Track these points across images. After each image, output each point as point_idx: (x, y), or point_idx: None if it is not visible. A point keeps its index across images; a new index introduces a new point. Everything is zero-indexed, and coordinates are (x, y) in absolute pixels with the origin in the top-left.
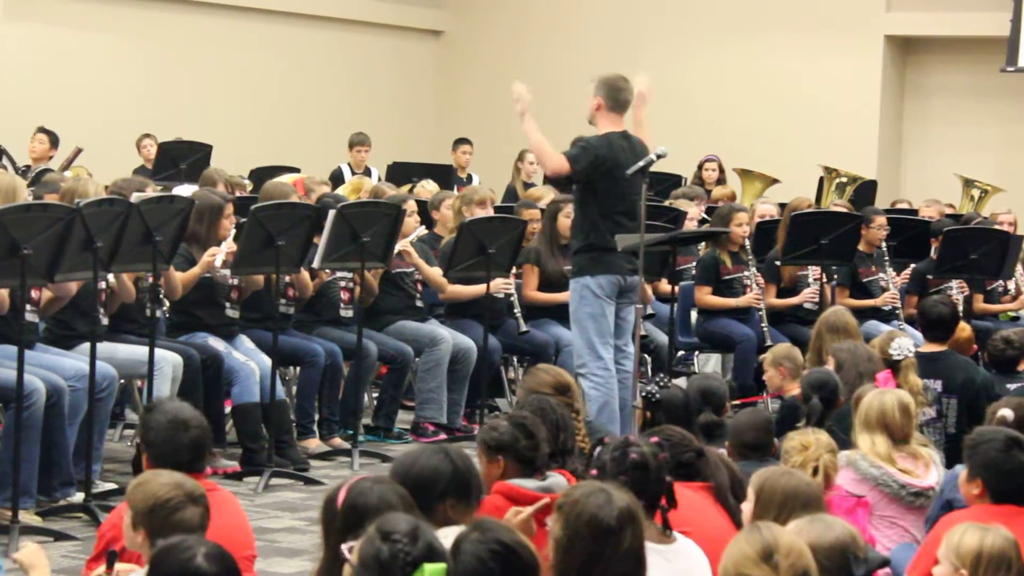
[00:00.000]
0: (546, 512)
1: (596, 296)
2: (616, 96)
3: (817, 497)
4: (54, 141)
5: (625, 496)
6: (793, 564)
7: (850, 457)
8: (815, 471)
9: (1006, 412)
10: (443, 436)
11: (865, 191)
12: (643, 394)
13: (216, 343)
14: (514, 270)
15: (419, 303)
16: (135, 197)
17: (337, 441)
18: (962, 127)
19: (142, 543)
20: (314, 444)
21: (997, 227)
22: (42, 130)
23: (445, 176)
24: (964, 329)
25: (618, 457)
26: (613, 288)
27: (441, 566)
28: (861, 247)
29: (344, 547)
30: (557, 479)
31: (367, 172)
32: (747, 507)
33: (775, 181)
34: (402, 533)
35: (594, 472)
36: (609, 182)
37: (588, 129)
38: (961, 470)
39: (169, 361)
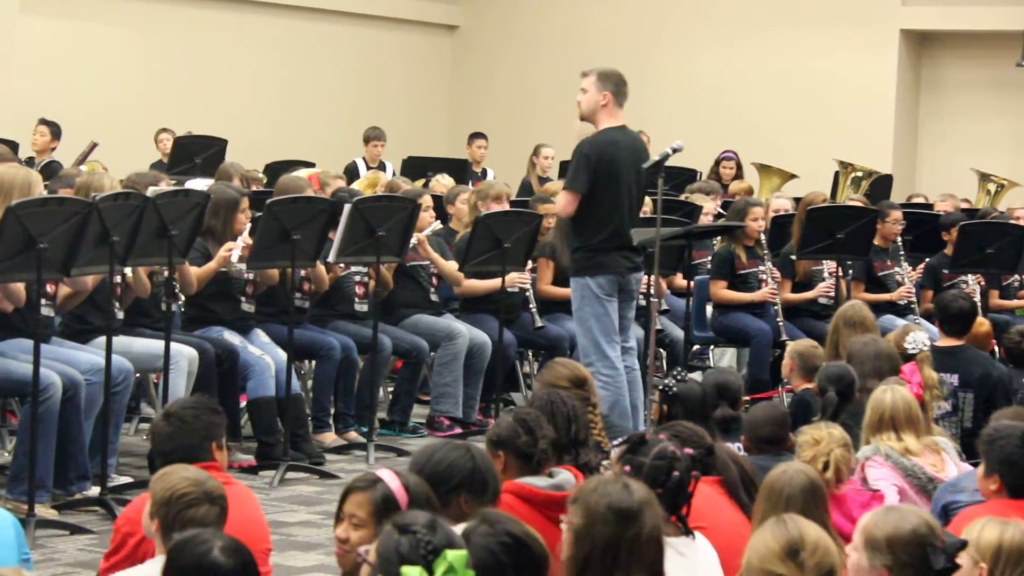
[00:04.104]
0: (557, 509)
1: (597, 296)
2: (623, 90)
3: (815, 491)
4: (56, 133)
5: (642, 486)
6: (819, 562)
7: (880, 447)
8: (825, 466)
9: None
10: (458, 430)
11: (881, 185)
12: (660, 388)
13: (231, 337)
14: (529, 264)
15: (434, 297)
16: (150, 191)
17: (352, 435)
18: (978, 122)
19: (155, 532)
20: (329, 438)
21: (1013, 222)
22: (43, 122)
23: (460, 171)
24: (983, 324)
25: (662, 468)
26: (613, 287)
27: (463, 553)
28: (876, 241)
29: (361, 549)
30: (566, 476)
31: (382, 167)
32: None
33: (793, 176)
34: (420, 524)
35: (627, 468)
36: (607, 181)
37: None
38: (960, 476)
39: (185, 355)
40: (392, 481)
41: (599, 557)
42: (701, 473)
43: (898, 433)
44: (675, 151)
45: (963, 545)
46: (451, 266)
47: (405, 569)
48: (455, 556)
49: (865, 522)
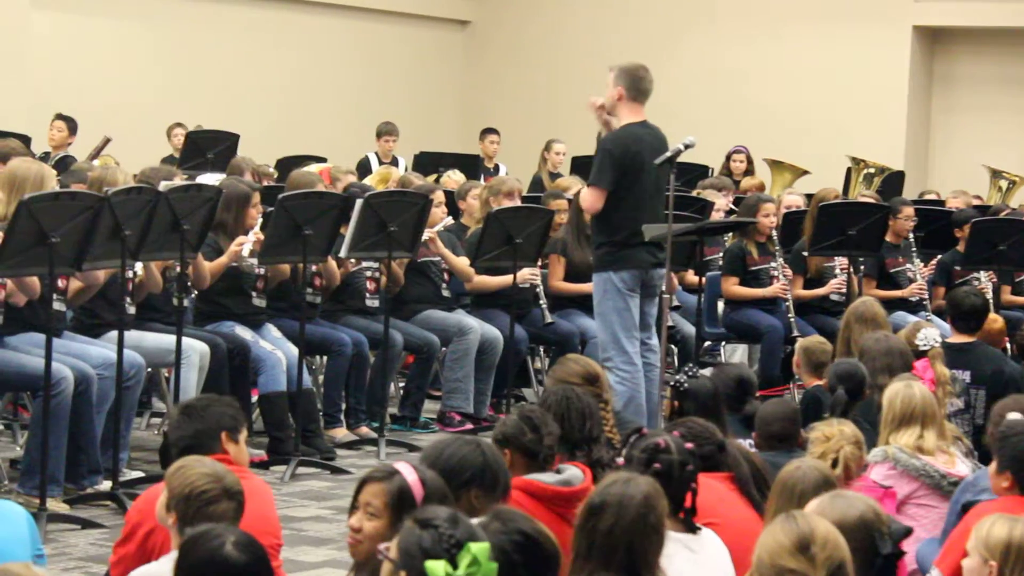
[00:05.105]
0: (565, 504)
1: (619, 290)
2: (638, 85)
3: (829, 488)
4: (72, 128)
5: (644, 483)
6: (829, 556)
7: (888, 451)
8: (835, 463)
9: (1015, 416)
10: (469, 426)
11: (893, 182)
12: (671, 383)
13: (243, 332)
14: (540, 260)
15: (445, 292)
16: (163, 186)
17: (364, 430)
18: (990, 118)
19: (171, 525)
20: (341, 433)
21: None
22: (60, 117)
23: (472, 166)
24: (996, 321)
25: (644, 460)
26: (636, 282)
27: (485, 545)
28: (888, 238)
29: (381, 546)
30: (574, 472)
31: (394, 162)
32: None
33: (805, 172)
34: (442, 519)
35: (620, 462)
36: (632, 177)
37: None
38: (979, 474)
39: (196, 350)
40: (409, 474)
41: (576, 546)
42: (710, 469)
43: (923, 428)
44: (687, 147)
45: (908, 532)
46: (462, 262)
47: (429, 563)
48: (478, 548)
49: (812, 509)
